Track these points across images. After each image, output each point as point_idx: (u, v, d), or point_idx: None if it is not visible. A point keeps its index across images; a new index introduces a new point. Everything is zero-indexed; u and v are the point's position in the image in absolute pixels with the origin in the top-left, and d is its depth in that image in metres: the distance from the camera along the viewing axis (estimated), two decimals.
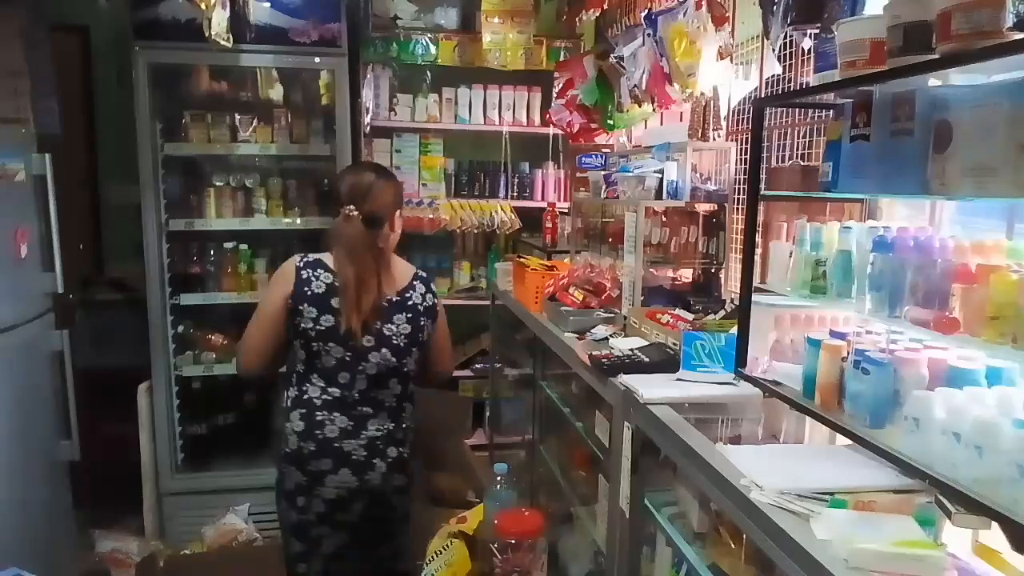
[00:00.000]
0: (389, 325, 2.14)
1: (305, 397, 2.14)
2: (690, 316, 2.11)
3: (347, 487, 2.13)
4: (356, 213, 2.12)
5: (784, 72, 2.16)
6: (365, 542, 2.21)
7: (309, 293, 2.10)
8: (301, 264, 2.14)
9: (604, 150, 3.20)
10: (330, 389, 2.13)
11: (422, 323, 2.19)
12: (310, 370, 2.15)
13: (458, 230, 3.82)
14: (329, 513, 2.14)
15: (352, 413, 2.13)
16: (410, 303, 2.19)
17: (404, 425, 2.21)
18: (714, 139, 2.44)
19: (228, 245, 3.50)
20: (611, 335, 2.22)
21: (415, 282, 2.23)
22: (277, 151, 3.50)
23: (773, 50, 2.05)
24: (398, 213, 2.24)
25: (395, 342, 2.15)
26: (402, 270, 2.25)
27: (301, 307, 2.09)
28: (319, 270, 2.13)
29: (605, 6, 3.16)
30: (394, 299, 2.17)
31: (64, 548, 2.87)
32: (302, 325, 2.10)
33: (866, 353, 1.32)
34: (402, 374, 2.18)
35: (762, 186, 1.68)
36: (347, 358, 2.11)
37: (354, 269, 2.09)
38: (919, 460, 1.17)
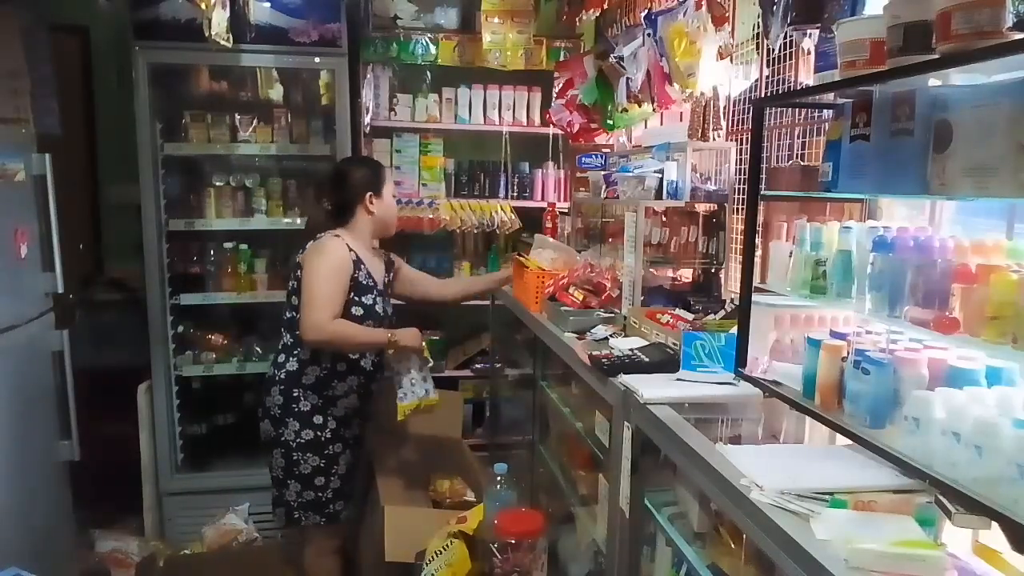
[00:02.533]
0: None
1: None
2: (690, 316, 2.10)
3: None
4: (327, 206, 2.66)
5: (785, 72, 2.16)
6: None
7: None
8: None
9: (604, 150, 3.20)
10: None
11: (289, 275, 2.62)
12: None
13: (458, 230, 3.82)
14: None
15: None
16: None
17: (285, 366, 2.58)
18: (714, 139, 2.44)
19: (228, 245, 3.50)
20: (611, 335, 2.22)
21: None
22: (277, 151, 3.50)
23: (773, 49, 2.05)
24: (369, 196, 2.61)
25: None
26: None
27: None
28: None
29: (605, 6, 3.16)
30: None
31: (64, 548, 2.87)
32: None
33: (866, 353, 1.32)
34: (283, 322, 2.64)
35: (762, 186, 1.68)
36: None
37: None
38: (919, 460, 1.17)
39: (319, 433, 2.56)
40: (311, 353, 2.54)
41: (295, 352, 2.56)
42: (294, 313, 2.53)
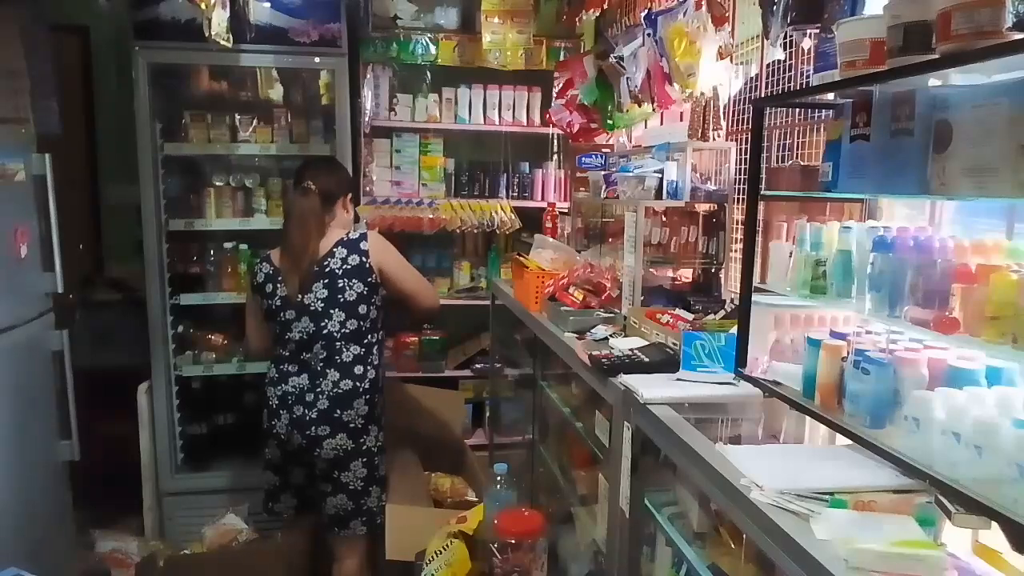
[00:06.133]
0: (308, 295, 2.50)
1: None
2: (690, 316, 2.10)
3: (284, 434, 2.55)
4: (313, 187, 2.54)
5: (783, 71, 2.16)
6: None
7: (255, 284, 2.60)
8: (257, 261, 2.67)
9: (604, 150, 3.19)
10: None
11: (340, 285, 2.50)
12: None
13: (458, 230, 3.81)
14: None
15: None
16: (327, 270, 2.51)
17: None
18: (714, 139, 2.44)
19: (228, 245, 3.49)
20: (611, 335, 2.22)
21: (335, 248, 2.53)
22: (277, 151, 3.50)
23: (773, 46, 2.05)
24: (349, 197, 2.68)
25: (312, 308, 2.49)
26: (328, 241, 2.55)
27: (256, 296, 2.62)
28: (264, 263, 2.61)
29: (605, 6, 3.16)
30: (314, 269, 2.51)
31: (64, 548, 2.87)
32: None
33: (866, 353, 1.32)
34: (324, 336, 2.50)
35: (762, 186, 1.68)
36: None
37: (300, 235, 2.51)
38: (919, 460, 1.17)
39: (384, 433, 2.66)
40: (379, 356, 2.63)
41: (370, 360, 2.58)
42: (361, 323, 2.54)
